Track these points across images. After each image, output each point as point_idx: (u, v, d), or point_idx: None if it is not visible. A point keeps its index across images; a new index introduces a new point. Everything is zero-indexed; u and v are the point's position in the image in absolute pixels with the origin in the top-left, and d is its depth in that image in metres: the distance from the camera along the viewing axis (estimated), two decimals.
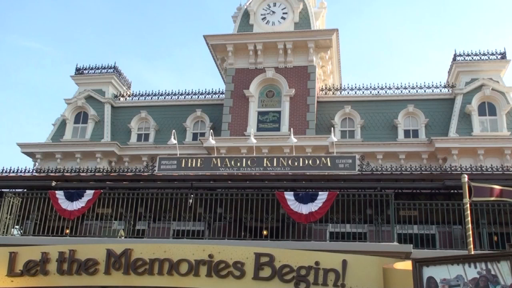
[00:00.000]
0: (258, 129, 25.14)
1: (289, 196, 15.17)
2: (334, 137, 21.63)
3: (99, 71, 28.84)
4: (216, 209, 16.20)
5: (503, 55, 25.65)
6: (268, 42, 26.19)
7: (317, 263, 12.98)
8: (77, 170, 19.08)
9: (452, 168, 18.05)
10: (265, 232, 17.67)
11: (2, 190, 17.57)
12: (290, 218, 15.31)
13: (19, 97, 70.62)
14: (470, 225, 12.03)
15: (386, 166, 18.72)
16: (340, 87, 27.94)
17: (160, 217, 16.97)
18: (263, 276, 13.14)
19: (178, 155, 19.71)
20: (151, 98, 28.46)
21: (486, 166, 18.09)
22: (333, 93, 27.16)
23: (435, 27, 69.62)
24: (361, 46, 68.20)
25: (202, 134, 26.33)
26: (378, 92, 26.45)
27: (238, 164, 18.67)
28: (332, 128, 24.34)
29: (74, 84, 29.04)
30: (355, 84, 26.89)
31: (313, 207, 14.92)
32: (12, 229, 16.68)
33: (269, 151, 23.89)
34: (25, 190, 17.54)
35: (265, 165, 18.59)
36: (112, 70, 28.86)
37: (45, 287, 14.09)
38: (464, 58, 26.02)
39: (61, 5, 71.15)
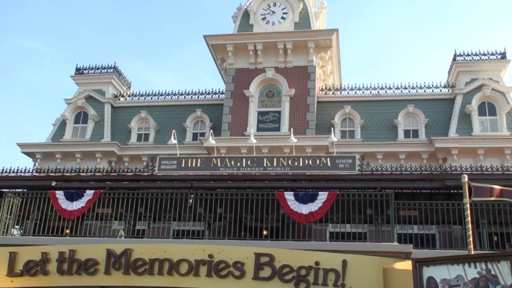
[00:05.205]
0: (258, 129, 25.13)
1: (289, 196, 15.16)
2: (334, 137, 21.62)
3: (99, 71, 28.84)
4: (216, 209, 16.19)
5: (503, 55, 25.63)
6: (268, 42, 26.19)
7: (317, 263, 12.97)
8: (77, 170, 19.08)
9: (452, 168, 18.03)
10: (265, 232, 17.69)
11: (2, 190, 17.56)
12: (290, 218, 15.30)
13: (19, 97, 70.71)
14: (470, 225, 12.02)
15: (386, 166, 18.70)
16: (340, 87, 27.94)
17: (160, 217, 16.97)
18: (263, 276, 13.13)
19: (178, 155, 19.70)
20: (151, 98, 28.45)
21: (486, 166, 18.08)
22: (333, 93, 27.16)
23: (435, 27, 69.71)
24: (361, 46, 68.29)
25: (202, 134, 26.32)
26: (378, 92, 26.45)
27: (238, 164, 18.67)
28: (332, 128, 24.33)
29: (74, 84, 29.06)
30: (355, 84, 26.96)
31: (313, 207, 14.90)
32: (12, 229, 16.67)
33: (269, 151, 23.88)
34: (25, 190, 17.54)
35: (265, 165, 18.58)
36: (112, 70, 28.87)
37: (45, 287, 14.08)
38: (464, 58, 26.01)
39: (61, 5, 71.22)
